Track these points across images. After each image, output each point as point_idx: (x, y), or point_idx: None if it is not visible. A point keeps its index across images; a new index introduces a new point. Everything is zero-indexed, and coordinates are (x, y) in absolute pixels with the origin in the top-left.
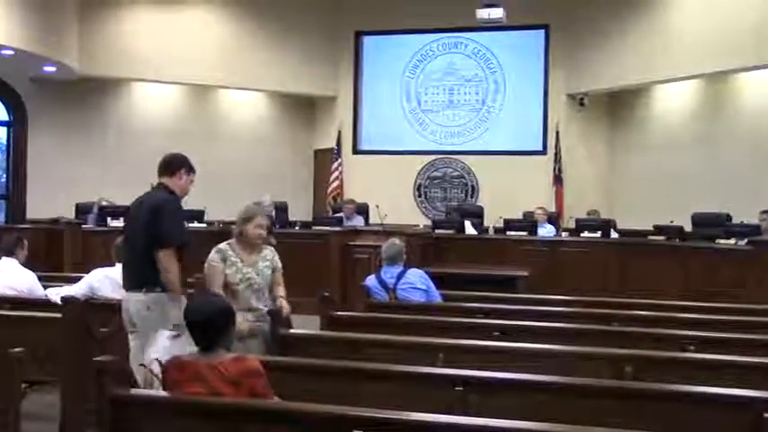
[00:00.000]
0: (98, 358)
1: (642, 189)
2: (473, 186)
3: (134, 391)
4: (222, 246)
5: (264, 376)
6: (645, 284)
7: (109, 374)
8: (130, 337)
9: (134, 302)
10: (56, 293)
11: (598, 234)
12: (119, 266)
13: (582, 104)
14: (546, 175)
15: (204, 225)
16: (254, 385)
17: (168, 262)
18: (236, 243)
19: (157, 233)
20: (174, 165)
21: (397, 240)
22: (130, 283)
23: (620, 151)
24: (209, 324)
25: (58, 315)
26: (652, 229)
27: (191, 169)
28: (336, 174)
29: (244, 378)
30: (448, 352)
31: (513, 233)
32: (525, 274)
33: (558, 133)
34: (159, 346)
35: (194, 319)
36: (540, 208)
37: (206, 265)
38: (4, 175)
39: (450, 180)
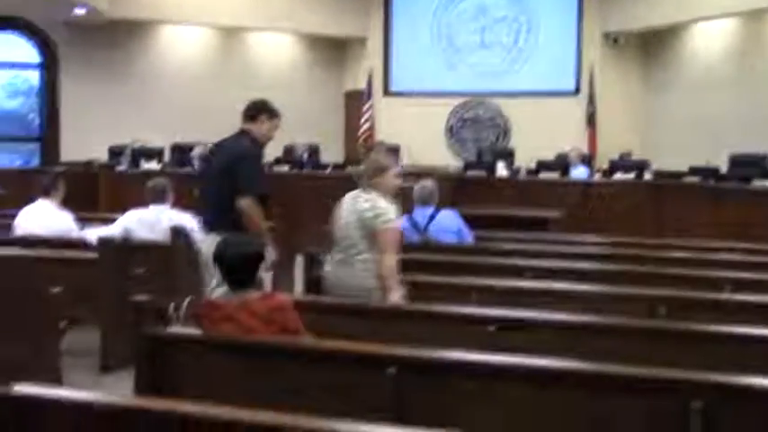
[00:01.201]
0: (135, 297)
1: (677, 129)
2: (505, 128)
3: (170, 328)
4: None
5: (295, 312)
6: (679, 226)
7: (145, 313)
8: (208, 278)
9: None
10: (92, 234)
11: (632, 175)
12: (152, 209)
13: (616, 42)
14: (579, 116)
15: None
16: (285, 321)
17: (251, 210)
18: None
19: (239, 182)
20: (254, 110)
21: (429, 182)
22: (209, 226)
23: (655, 91)
24: (244, 264)
25: (95, 255)
26: (687, 170)
27: (273, 114)
28: (367, 116)
29: (274, 314)
30: (481, 292)
31: (545, 175)
32: (557, 215)
33: (591, 73)
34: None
35: (230, 257)
36: (573, 149)
37: (386, 225)
38: (38, 118)
39: (481, 121)
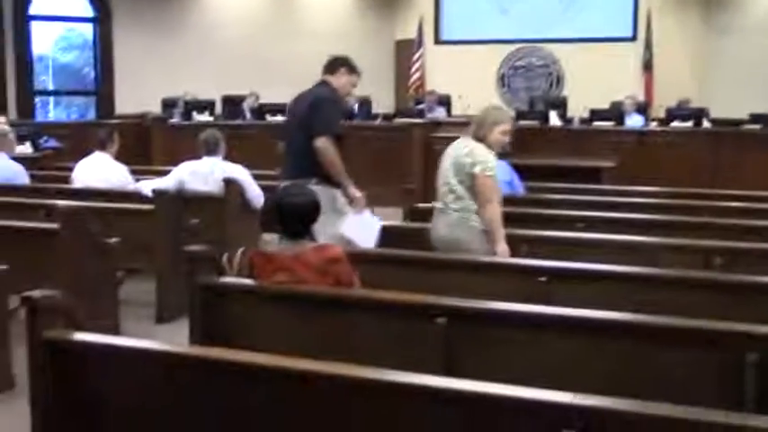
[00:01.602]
0: (189, 248)
1: (738, 75)
2: (558, 75)
3: (223, 279)
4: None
5: (348, 263)
6: (738, 176)
7: (199, 263)
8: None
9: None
10: (147, 186)
11: (689, 124)
12: (205, 160)
13: None
14: (635, 63)
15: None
16: (339, 272)
17: (327, 149)
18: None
19: (315, 123)
20: (335, 63)
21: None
22: (291, 175)
23: (715, 35)
24: (302, 214)
25: (151, 207)
26: (747, 117)
27: (352, 70)
28: (418, 65)
29: (328, 265)
30: (531, 243)
31: (599, 123)
32: (611, 165)
33: (649, 18)
34: (349, 226)
35: (288, 206)
36: (629, 97)
37: (484, 172)
38: (93, 72)
39: (534, 69)
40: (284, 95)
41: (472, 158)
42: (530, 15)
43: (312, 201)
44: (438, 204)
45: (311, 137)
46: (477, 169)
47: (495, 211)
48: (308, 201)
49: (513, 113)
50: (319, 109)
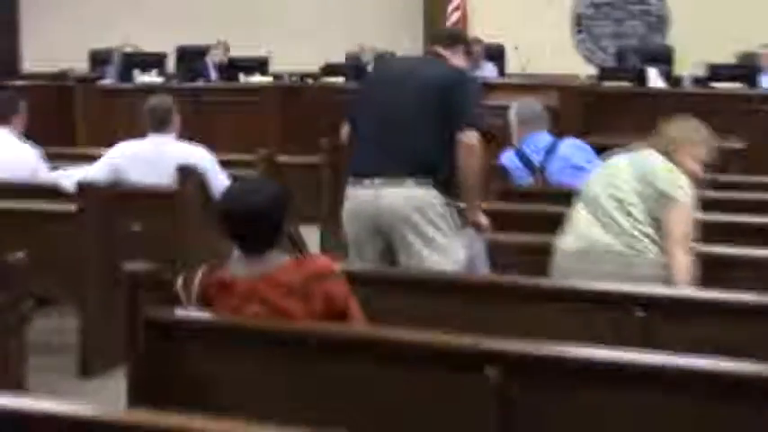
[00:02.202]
0: (128, 266)
1: None
2: (660, 15)
3: (178, 311)
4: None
5: (342, 280)
6: None
7: (143, 288)
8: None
9: (414, 198)
10: (68, 177)
11: None
12: (152, 139)
13: None
14: None
15: (269, 79)
16: (330, 293)
17: (477, 149)
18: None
19: (463, 109)
20: (456, 39)
21: (532, 101)
22: (386, 174)
23: None
24: (259, 218)
25: (72, 207)
26: None
27: (469, 53)
28: (456, 3)
29: (312, 284)
30: None
31: (721, 85)
32: (740, 146)
33: None
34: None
35: (238, 211)
36: (766, 46)
37: (686, 203)
38: None
39: (624, 7)
40: (267, 46)
41: (671, 181)
42: None
43: (272, 197)
44: (594, 218)
45: (443, 126)
46: (678, 194)
47: (688, 260)
48: (267, 198)
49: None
50: (465, 92)
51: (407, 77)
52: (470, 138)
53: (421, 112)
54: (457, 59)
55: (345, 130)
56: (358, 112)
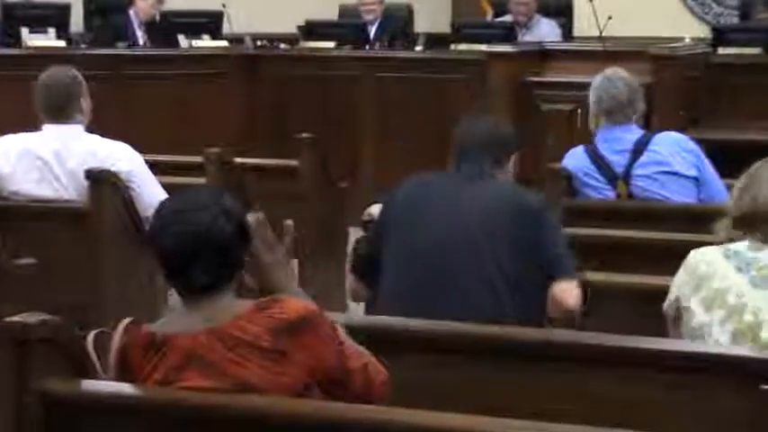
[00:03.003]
0: (11, 319)
1: None
2: None
3: (86, 382)
4: None
5: (330, 323)
6: None
7: (36, 349)
8: None
9: None
10: None
11: None
12: (50, 131)
13: None
14: None
15: (224, 43)
16: (316, 349)
17: (575, 306)
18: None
19: (551, 254)
20: (507, 146)
21: (622, 72)
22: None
23: None
24: (207, 245)
25: None
26: None
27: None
28: None
29: (287, 338)
30: None
31: None
32: None
33: None
34: None
35: (174, 236)
36: None
37: None
38: None
39: None
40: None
41: None
42: None
43: (226, 216)
44: None
45: (517, 277)
46: None
47: None
48: (217, 218)
49: None
50: (550, 230)
51: (458, 205)
52: (568, 292)
53: (486, 257)
54: (505, 174)
55: (355, 285)
56: (383, 255)
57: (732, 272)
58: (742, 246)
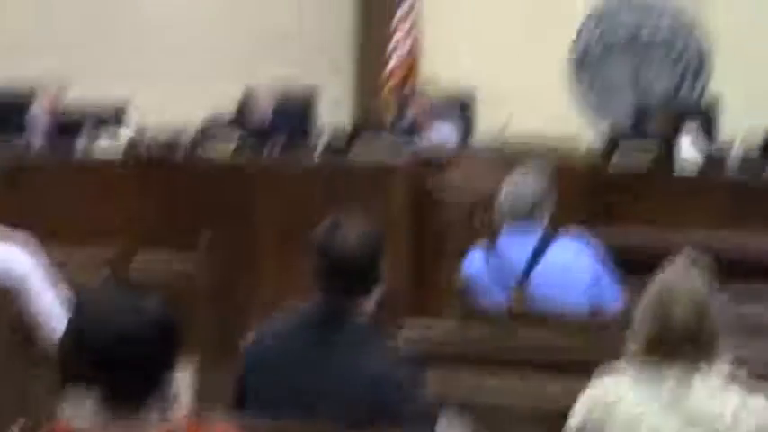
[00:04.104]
0: None
1: None
2: (700, 56)
3: None
4: None
5: None
6: None
7: None
8: None
9: None
10: None
11: None
12: None
13: None
14: None
15: (127, 140)
16: None
17: None
18: None
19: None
20: (370, 275)
21: (531, 176)
22: None
23: None
24: (137, 352)
25: None
26: None
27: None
28: (404, 30)
29: None
30: None
31: None
32: None
33: None
34: None
35: (99, 339)
36: None
37: None
38: None
39: (648, 43)
40: (123, 86)
41: None
42: None
43: (157, 318)
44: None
45: None
46: None
47: None
48: (150, 320)
49: None
50: (408, 403)
51: (309, 383)
52: None
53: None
54: (370, 304)
55: None
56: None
57: (643, 398)
58: (652, 369)
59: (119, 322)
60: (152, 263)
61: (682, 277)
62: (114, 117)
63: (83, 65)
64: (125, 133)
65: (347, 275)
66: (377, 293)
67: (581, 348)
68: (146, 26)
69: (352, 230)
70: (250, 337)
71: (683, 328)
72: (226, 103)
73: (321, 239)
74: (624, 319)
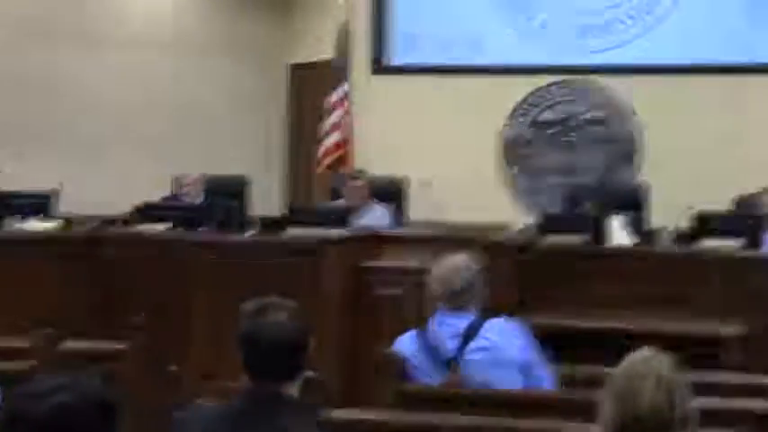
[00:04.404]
0: None
1: None
2: (629, 143)
3: None
4: None
5: None
6: None
7: None
8: None
9: None
10: None
11: None
12: None
13: None
14: None
15: (54, 224)
16: None
17: None
18: None
19: None
20: (294, 358)
21: (464, 259)
22: None
23: None
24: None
25: None
26: None
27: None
28: (338, 116)
29: None
30: None
31: (712, 243)
32: (738, 332)
33: None
34: None
35: (31, 418)
36: None
37: None
38: None
39: (579, 128)
40: (54, 174)
41: None
42: (571, 20)
43: (93, 398)
44: None
45: None
46: None
47: None
48: (84, 399)
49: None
50: None
51: None
52: None
53: None
54: (296, 389)
55: None
56: None
57: None
58: None
59: (57, 398)
60: (83, 348)
61: (648, 362)
62: (42, 204)
63: (9, 151)
64: (52, 220)
65: (273, 362)
66: (304, 377)
67: (515, 429)
68: (75, 112)
69: (276, 316)
70: (178, 423)
71: (653, 413)
72: (158, 188)
73: (246, 326)
74: (558, 400)
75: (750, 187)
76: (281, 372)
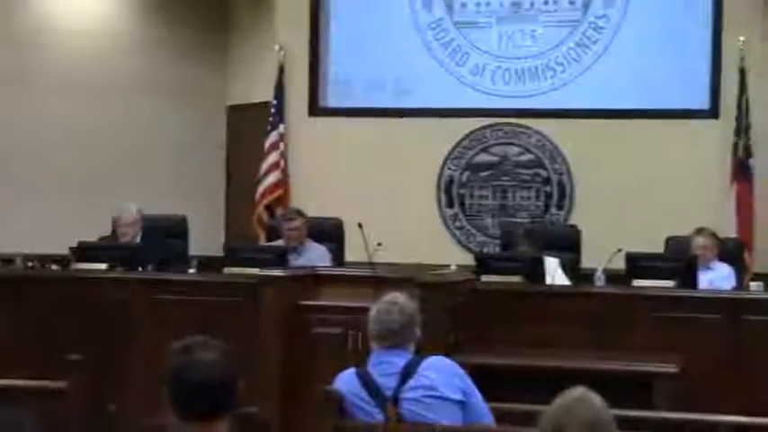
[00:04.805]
0: None
1: None
2: (562, 185)
3: None
4: None
5: None
6: None
7: None
8: None
9: None
10: None
11: None
12: None
13: None
14: (718, 162)
15: None
16: None
17: None
18: None
19: None
20: (221, 405)
21: (401, 298)
22: None
23: None
24: None
25: None
26: None
27: None
28: (275, 157)
29: None
30: None
31: (645, 282)
32: (672, 370)
33: (743, 79)
34: None
35: None
36: (705, 232)
37: None
38: None
39: (514, 171)
40: None
41: None
42: (506, 63)
43: None
44: None
45: None
46: None
47: None
48: None
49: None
50: None
51: None
52: None
53: None
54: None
55: None
56: None
57: None
58: None
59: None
60: (21, 386)
61: (579, 400)
62: None
63: None
64: None
65: (199, 400)
66: (245, 414)
67: None
68: (11, 151)
69: (203, 355)
70: None
71: None
72: (95, 229)
73: (172, 364)
74: None
75: (676, 230)
76: (208, 410)
